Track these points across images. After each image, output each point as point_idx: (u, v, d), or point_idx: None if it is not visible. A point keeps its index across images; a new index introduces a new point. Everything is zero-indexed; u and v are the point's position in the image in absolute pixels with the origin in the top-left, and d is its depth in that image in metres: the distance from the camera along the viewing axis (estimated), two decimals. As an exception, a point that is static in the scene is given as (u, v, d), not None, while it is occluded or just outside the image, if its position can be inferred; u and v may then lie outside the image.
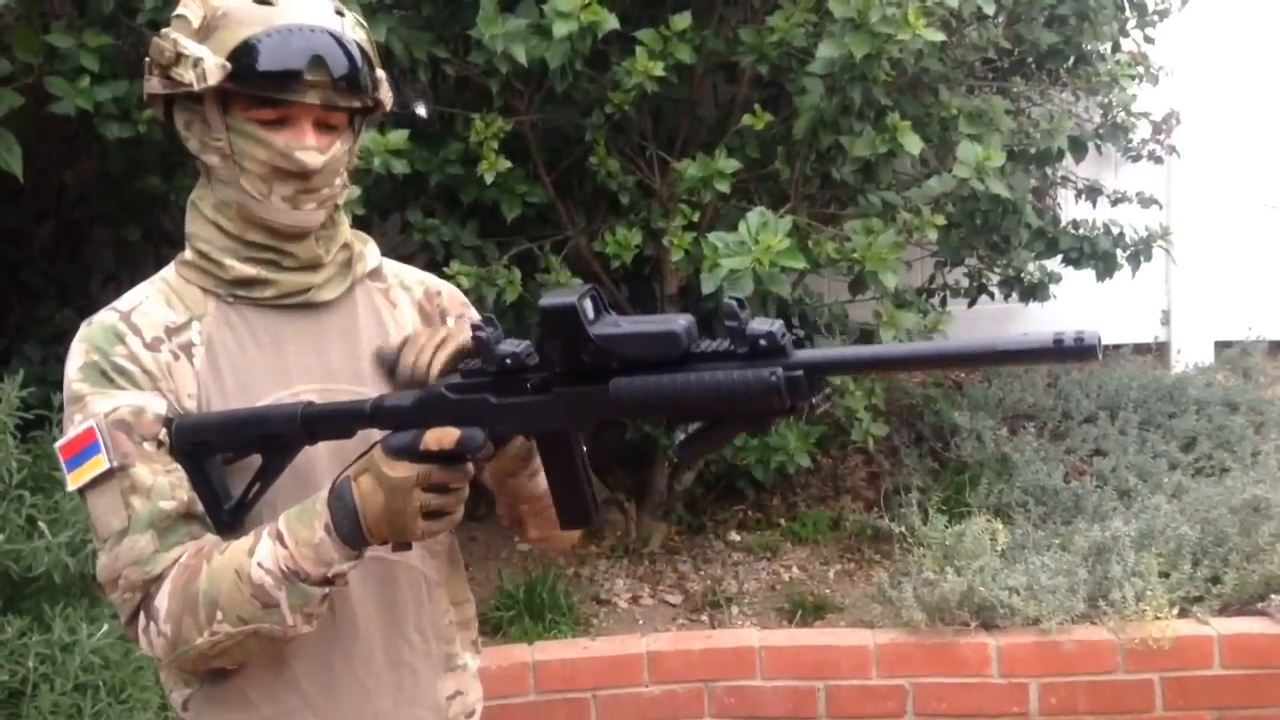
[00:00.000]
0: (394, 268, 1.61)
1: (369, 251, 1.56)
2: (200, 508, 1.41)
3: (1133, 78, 4.08)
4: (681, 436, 1.28)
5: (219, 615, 1.34)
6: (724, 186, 3.30)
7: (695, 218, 3.38)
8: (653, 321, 1.26)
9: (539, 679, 3.27)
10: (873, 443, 3.64)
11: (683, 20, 3.25)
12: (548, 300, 1.26)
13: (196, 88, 1.37)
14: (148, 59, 1.44)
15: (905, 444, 4.28)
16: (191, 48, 1.38)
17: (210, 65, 1.36)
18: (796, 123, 3.34)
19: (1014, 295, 4.37)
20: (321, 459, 1.45)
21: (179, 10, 1.42)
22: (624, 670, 3.30)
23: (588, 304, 1.25)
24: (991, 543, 3.41)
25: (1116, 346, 4.95)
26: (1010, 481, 3.89)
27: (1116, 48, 4.21)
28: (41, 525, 2.58)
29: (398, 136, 3.08)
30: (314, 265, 1.47)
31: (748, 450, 3.60)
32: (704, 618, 3.65)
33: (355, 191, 2.82)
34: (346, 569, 1.35)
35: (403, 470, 1.29)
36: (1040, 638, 3.21)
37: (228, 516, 1.41)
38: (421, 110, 3.34)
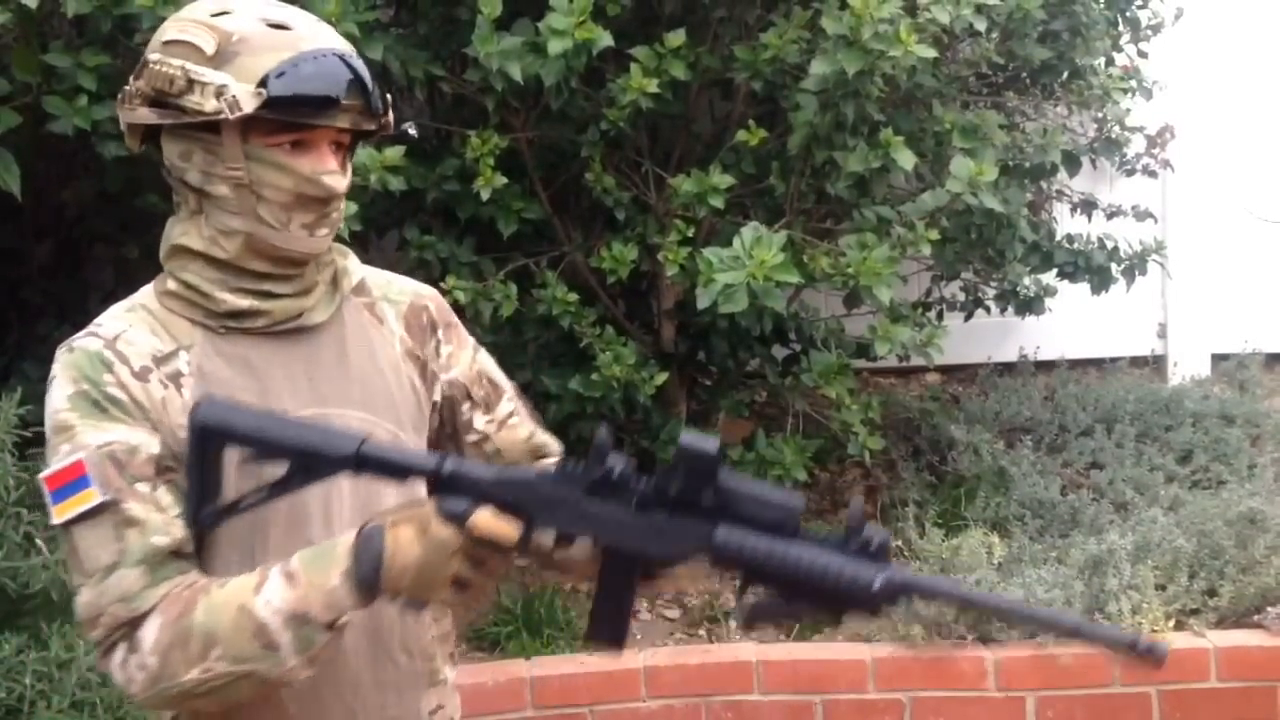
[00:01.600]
0: (378, 279, 1.58)
1: (351, 265, 1.53)
2: (190, 550, 1.36)
3: (1126, 91, 4.09)
4: (752, 601, 1.32)
5: (215, 652, 1.29)
6: (719, 202, 3.32)
7: (691, 233, 3.39)
8: (775, 491, 1.31)
9: (536, 694, 3.27)
10: (870, 456, 3.65)
11: (677, 37, 3.28)
12: (690, 442, 1.29)
13: (230, 116, 1.32)
14: (131, 90, 1.39)
15: (902, 457, 4.29)
16: (209, 75, 1.33)
17: (240, 93, 1.32)
18: (791, 138, 3.36)
19: (1010, 309, 4.38)
20: (318, 513, 1.43)
21: (178, 36, 1.37)
22: (621, 685, 3.29)
23: (719, 456, 1.29)
24: (988, 556, 3.42)
25: (1113, 360, 4.96)
26: (1007, 495, 3.89)
27: (1110, 62, 4.23)
28: (39, 542, 2.59)
29: (394, 153, 3.10)
30: (307, 290, 1.45)
31: (745, 464, 3.61)
32: (701, 632, 3.65)
33: (352, 208, 2.84)
34: (353, 620, 1.33)
35: (449, 534, 1.27)
36: (1037, 651, 3.21)
37: (208, 518, 1.36)
38: (412, 130, 3.36)
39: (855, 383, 3.71)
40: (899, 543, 3.60)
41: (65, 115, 3.08)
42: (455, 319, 1.63)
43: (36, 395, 3.30)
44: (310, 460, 1.35)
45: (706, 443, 1.29)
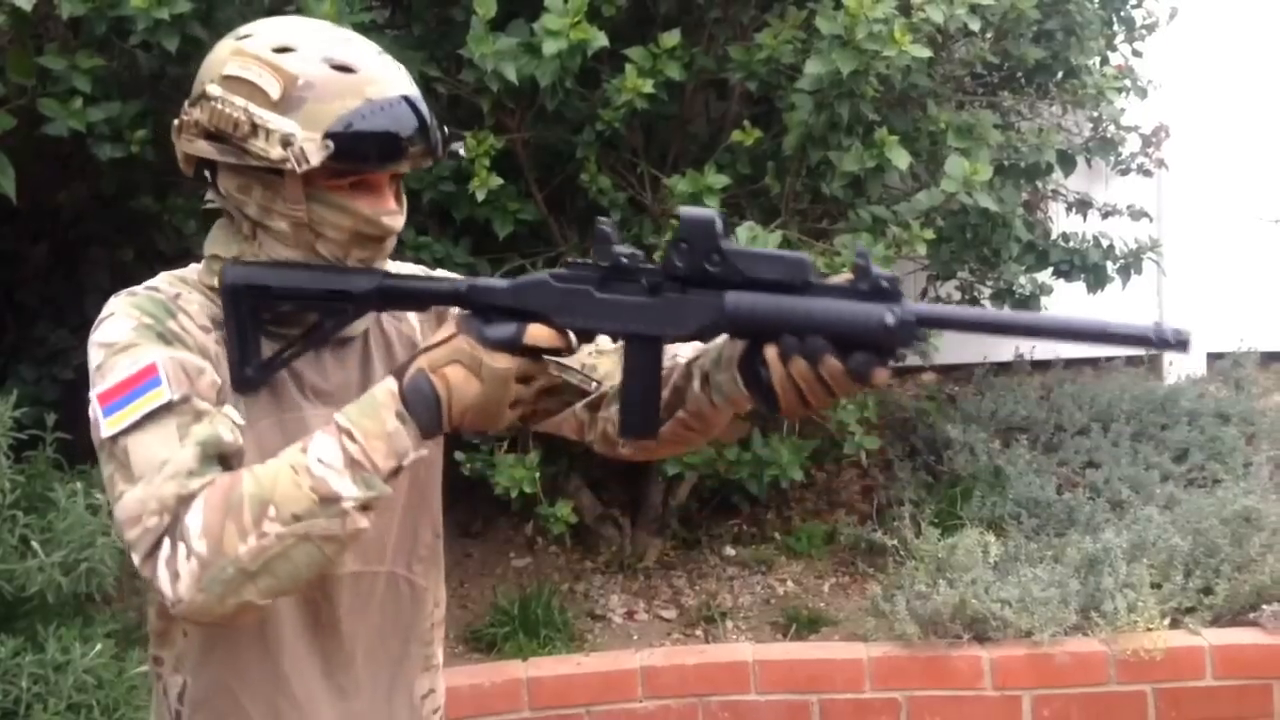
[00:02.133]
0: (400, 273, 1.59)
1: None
2: (240, 464, 1.34)
3: (1120, 91, 4.10)
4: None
5: (270, 513, 1.25)
6: (714, 202, 3.31)
7: (686, 234, 3.39)
8: (778, 250, 1.32)
9: (533, 695, 3.27)
10: (866, 456, 3.66)
11: (672, 38, 3.28)
12: (687, 210, 1.31)
13: (298, 169, 1.32)
14: (189, 119, 1.38)
15: (898, 457, 4.29)
16: (275, 121, 1.32)
17: (308, 144, 1.32)
18: (786, 138, 3.36)
19: (1005, 308, 4.38)
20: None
21: (240, 73, 1.35)
22: (618, 686, 3.30)
23: (720, 220, 1.30)
24: (984, 555, 3.42)
25: (1109, 359, 4.97)
26: (1003, 494, 3.90)
27: (1105, 62, 4.23)
28: (35, 545, 2.59)
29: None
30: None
31: (741, 465, 3.61)
32: (699, 632, 3.65)
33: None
34: (419, 456, 1.32)
35: (505, 362, 1.30)
36: (1033, 650, 3.22)
37: (254, 372, 1.37)
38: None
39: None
40: (894, 542, 3.61)
41: (60, 117, 3.08)
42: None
43: (32, 398, 3.31)
44: (337, 300, 1.39)
45: (704, 211, 1.30)
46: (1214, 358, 5.01)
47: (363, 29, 3.06)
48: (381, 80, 1.37)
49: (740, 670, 3.30)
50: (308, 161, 1.32)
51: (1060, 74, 4.11)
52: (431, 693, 1.60)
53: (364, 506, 1.28)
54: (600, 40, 3.06)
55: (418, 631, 1.56)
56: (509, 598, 3.71)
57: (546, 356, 1.36)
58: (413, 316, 1.56)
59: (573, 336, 1.35)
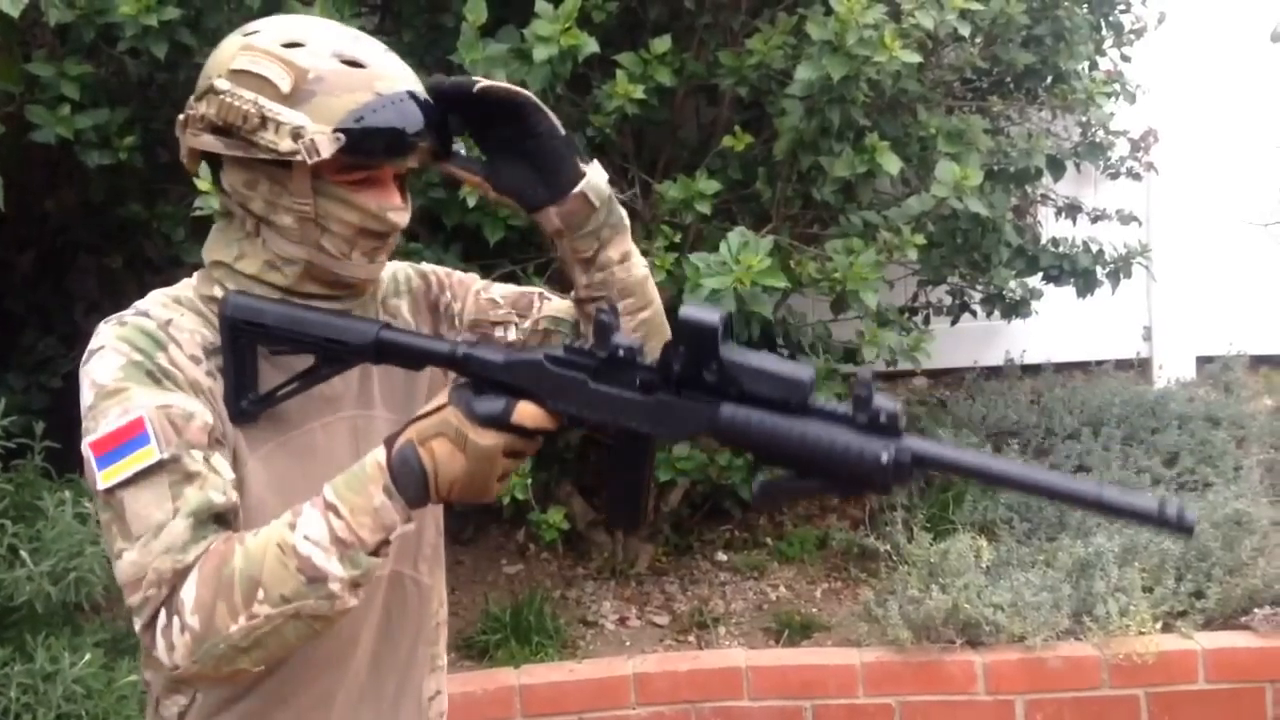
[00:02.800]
0: (385, 272, 1.58)
1: (383, 277, 1.56)
2: (235, 520, 1.35)
3: (1109, 95, 4.11)
4: (763, 480, 1.29)
5: (259, 595, 1.26)
6: (705, 208, 3.32)
7: (677, 239, 3.39)
8: (782, 363, 1.27)
9: (525, 702, 3.27)
10: (857, 460, 3.64)
11: (663, 43, 3.28)
12: (690, 312, 1.26)
13: (309, 160, 1.33)
14: (195, 114, 1.38)
15: (890, 462, 4.28)
16: (286, 114, 1.33)
17: (319, 136, 1.32)
18: (777, 144, 3.36)
19: (996, 312, 4.40)
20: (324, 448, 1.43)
21: (249, 67, 1.35)
22: (611, 692, 3.29)
23: (723, 327, 1.26)
24: (976, 560, 3.42)
25: (1099, 363, 4.98)
26: (994, 498, 3.90)
27: (1094, 66, 4.25)
28: (23, 554, 2.58)
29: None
30: (351, 309, 1.46)
31: (733, 470, 3.60)
32: (691, 638, 3.64)
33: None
34: (406, 530, 1.32)
35: (491, 438, 1.28)
36: (1025, 654, 3.22)
37: (249, 405, 1.37)
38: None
39: (843, 388, 3.71)
40: (887, 547, 3.61)
41: (48, 124, 3.08)
42: (449, 275, 1.63)
43: (20, 406, 3.29)
44: (333, 349, 1.38)
45: (707, 314, 1.25)
46: (1203, 361, 5.02)
47: (352, 35, 3.06)
48: (390, 76, 1.38)
49: (733, 676, 3.30)
50: (319, 154, 1.32)
51: (1049, 79, 4.12)
52: (438, 694, 1.61)
53: (353, 584, 1.29)
54: (591, 46, 3.06)
55: (424, 632, 1.57)
56: (501, 604, 3.70)
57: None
58: (405, 311, 1.56)
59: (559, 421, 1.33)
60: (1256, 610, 3.27)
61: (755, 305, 3.06)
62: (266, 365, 1.40)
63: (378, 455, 1.31)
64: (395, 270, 1.60)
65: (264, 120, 1.33)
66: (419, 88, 1.40)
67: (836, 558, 4.01)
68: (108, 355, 1.34)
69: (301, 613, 1.27)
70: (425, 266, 1.63)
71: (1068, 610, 3.27)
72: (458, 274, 1.64)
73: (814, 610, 3.77)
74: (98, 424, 1.32)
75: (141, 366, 1.33)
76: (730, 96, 3.59)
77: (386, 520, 1.29)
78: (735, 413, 1.25)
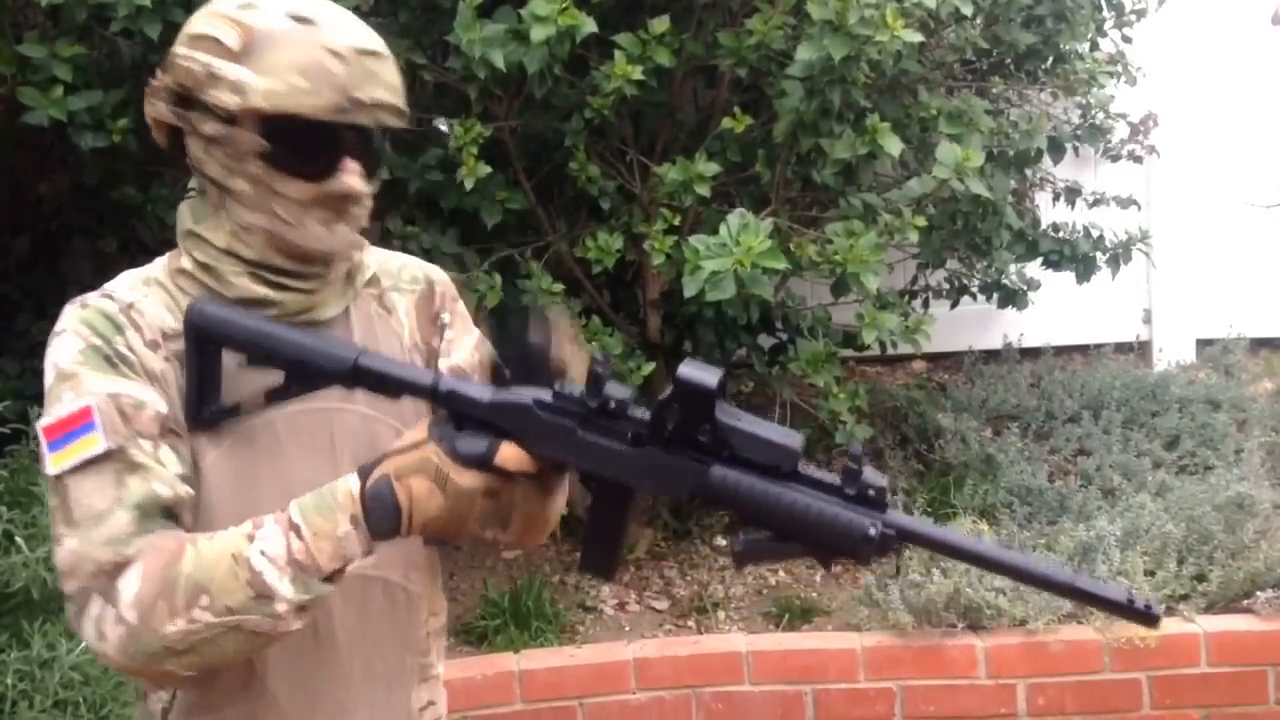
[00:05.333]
0: (390, 267, 1.56)
1: (367, 260, 1.52)
2: (185, 514, 1.33)
3: (1110, 75, 4.09)
4: (746, 538, 1.29)
5: (203, 600, 1.24)
6: (704, 190, 3.29)
7: (676, 222, 3.37)
8: (774, 430, 1.27)
9: (525, 688, 3.25)
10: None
11: (661, 24, 3.25)
12: (689, 372, 1.25)
13: (245, 108, 1.31)
14: (154, 82, 1.38)
15: (890, 446, 4.28)
16: (232, 70, 1.32)
17: (258, 90, 1.31)
18: (776, 125, 3.34)
19: (994, 300, 4.38)
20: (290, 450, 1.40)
21: (203, 30, 1.35)
22: (611, 678, 3.28)
23: (721, 388, 1.26)
24: (977, 544, 3.41)
25: (1098, 346, 4.96)
26: (995, 482, 3.89)
27: (1094, 48, 4.22)
28: (19, 540, 2.56)
29: (375, 143, 3.06)
30: (321, 286, 1.43)
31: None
32: (691, 623, 3.63)
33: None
34: (364, 563, 1.30)
35: (472, 480, 1.27)
36: (1027, 638, 3.21)
37: (208, 414, 1.34)
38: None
39: (842, 371, 3.70)
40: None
41: (40, 106, 3.05)
42: (461, 306, 1.60)
43: (14, 391, 3.26)
44: (306, 370, 1.34)
45: (706, 375, 1.25)
46: (1204, 344, 5.01)
47: (348, 15, 3.03)
48: (344, 34, 1.35)
49: (733, 661, 3.28)
50: (260, 107, 1.31)
51: (1050, 60, 4.10)
52: (431, 704, 1.56)
53: (299, 608, 1.27)
54: (589, 26, 3.03)
55: (413, 641, 1.52)
56: (499, 590, 3.68)
57: None
58: (401, 310, 1.53)
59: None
60: (1258, 593, 3.26)
61: (755, 288, 3.04)
62: (231, 360, 1.36)
63: (350, 483, 1.29)
64: (406, 264, 1.57)
65: (211, 77, 1.33)
66: (374, 45, 1.37)
67: (837, 542, 3.99)
68: (68, 339, 1.34)
69: (243, 626, 1.26)
70: (441, 275, 1.59)
71: (1069, 594, 3.26)
72: (468, 317, 1.60)
73: (814, 595, 3.76)
74: (50, 409, 1.31)
75: (99, 351, 1.32)
76: (729, 78, 3.56)
77: (348, 550, 1.27)
78: (726, 475, 1.26)
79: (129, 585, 1.26)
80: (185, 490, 1.33)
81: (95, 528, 1.27)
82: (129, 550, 1.27)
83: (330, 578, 1.28)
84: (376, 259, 1.55)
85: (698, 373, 1.26)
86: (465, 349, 1.56)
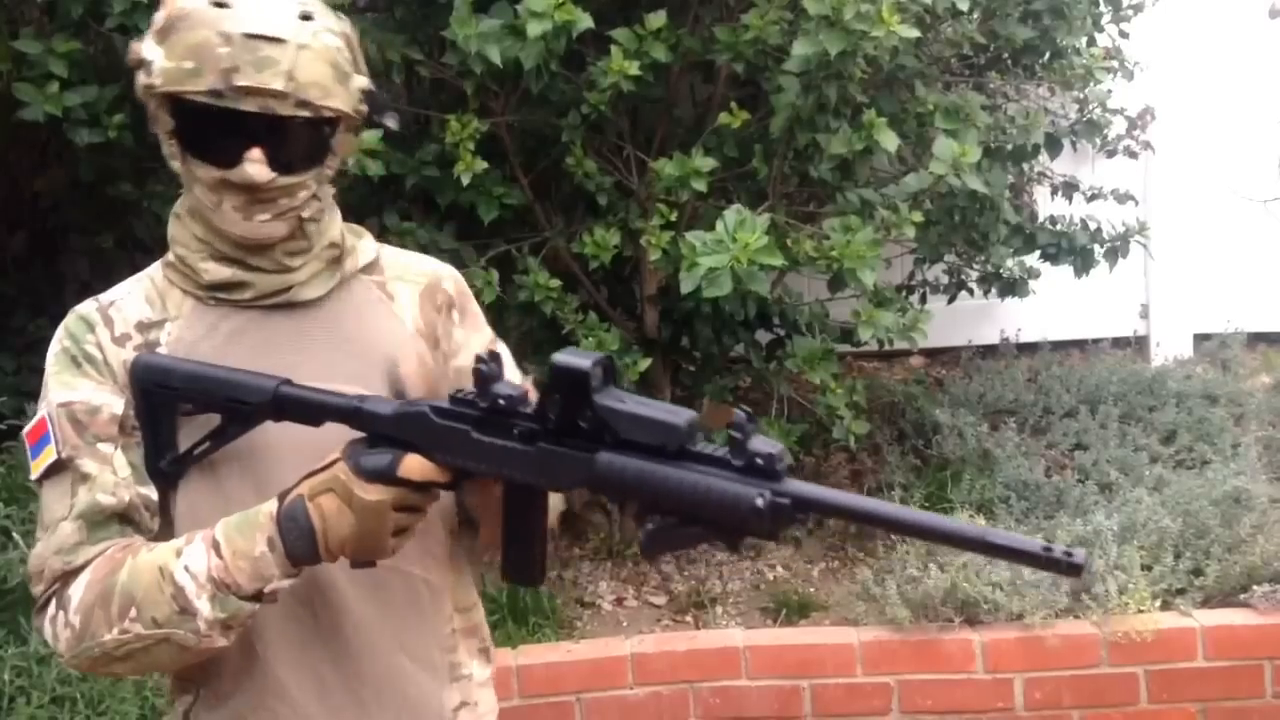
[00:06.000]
0: (397, 259, 1.57)
1: (363, 246, 1.52)
2: (140, 515, 1.37)
3: (1108, 71, 4.08)
4: (650, 528, 1.24)
5: (132, 612, 1.29)
6: (701, 186, 3.29)
7: (673, 217, 3.37)
8: (657, 408, 1.23)
9: (522, 683, 3.25)
10: (855, 440, 3.64)
11: (658, 19, 3.24)
12: (561, 359, 1.23)
13: (143, 93, 1.37)
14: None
15: (887, 441, 4.28)
16: (149, 50, 1.36)
17: (158, 69, 1.34)
18: (773, 121, 3.33)
19: (993, 291, 4.38)
20: (283, 453, 1.41)
21: (156, 14, 1.40)
22: (608, 673, 3.28)
23: (599, 371, 1.23)
24: (974, 538, 3.41)
25: (1095, 341, 4.97)
26: (992, 477, 3.89)
27: (1092, 42, 4.22)
28: (15, 535, 2.56)
29: (372, 137, 3.06)
30: (291, 266, 1.43)
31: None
32: (688, 619, 3.63)
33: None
34: (284, 586, 1.31)
35: (377, 494, 1.27)
36: (1024, 633, 3.21)
37: (167, 466, 1.38)
38: (391, 122, 3.30)
39: (839, 367, 3.69)
40: (885, 526, 3.60)
41: (36, 102, 3.04)
42: (474, 305, 1.61)
43: (12, 388, 3.26)
44: (237, 407, 1.37)
45: (578, 360, 1.22)
46: (1201, 339, 5.01)
47: (343, 12, 3.02)
48: (250, 19, 1.34)
49: (731, 656, 3.28)
50: (154, 86, 1.35)
51: (1047, 55, 4.09)
52: (465, 705, 1.53)
53: (222, 625, 1.29)
54: (585, 22, 3.02)
55: (437, 636, 1.50)
56: (497, 586, 3.68)
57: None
58: (404, 297, 1.52)
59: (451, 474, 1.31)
60: (1255, 588, 3.26)
61: (752, 284, 3.04)
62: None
63: (271, 504, 1.31)
64: (419, 260, 1.59)
65: (140, 60, 1.37)
66: (279, 31, 1.34)
67: (834, 537, 4.00)
68: (52, 345, 1.42)
69: (171, 639, 1.30)
70: (453, 273, 1.61)
71: (1066, 588, 3.26)
72: (481, 318, 1.61)
73: (811, 590, 3.76)
74: (32, 417, 1.40)
75: (68, 353, 1.40)
76: (726, 73, 3.55)
77: (264, 571, 1.29)
78: (611, 461, 1.22)
79: (76, 592, 1.33)
80: (133, 493, 1.37)
81: (51, 536, 1.35)
82: (77, 560, 1.34)
83: (255, 597, 1.29)
84: (388, 255, 1.56)
85: (571, 358, 1.22)
86: (475, 348, 1.55)
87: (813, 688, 3.26)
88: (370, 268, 1.52)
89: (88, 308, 1.43)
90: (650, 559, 3.85)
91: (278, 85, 1.33)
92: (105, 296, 1.44)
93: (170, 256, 1.45)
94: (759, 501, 1.15)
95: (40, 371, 1.43)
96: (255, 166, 1.35)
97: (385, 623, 1.45)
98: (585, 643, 3.42)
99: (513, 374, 1.54)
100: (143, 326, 1.41)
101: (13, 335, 3.81)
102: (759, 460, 1.17)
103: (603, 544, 3.96)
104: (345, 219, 1.53)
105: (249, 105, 1.33)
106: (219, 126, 1.35)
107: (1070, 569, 1.12)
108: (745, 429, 1.18)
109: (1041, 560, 1.13)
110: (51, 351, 1.41)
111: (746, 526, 1.18)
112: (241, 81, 1.32)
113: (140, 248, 3.79)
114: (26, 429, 1.40)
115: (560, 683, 3.26)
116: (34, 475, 1.38)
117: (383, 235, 3.55)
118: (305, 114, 1.36)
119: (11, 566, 2.56)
